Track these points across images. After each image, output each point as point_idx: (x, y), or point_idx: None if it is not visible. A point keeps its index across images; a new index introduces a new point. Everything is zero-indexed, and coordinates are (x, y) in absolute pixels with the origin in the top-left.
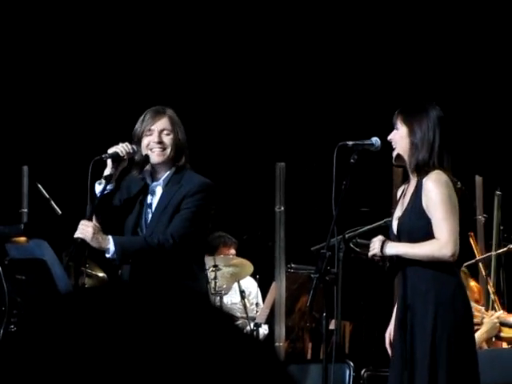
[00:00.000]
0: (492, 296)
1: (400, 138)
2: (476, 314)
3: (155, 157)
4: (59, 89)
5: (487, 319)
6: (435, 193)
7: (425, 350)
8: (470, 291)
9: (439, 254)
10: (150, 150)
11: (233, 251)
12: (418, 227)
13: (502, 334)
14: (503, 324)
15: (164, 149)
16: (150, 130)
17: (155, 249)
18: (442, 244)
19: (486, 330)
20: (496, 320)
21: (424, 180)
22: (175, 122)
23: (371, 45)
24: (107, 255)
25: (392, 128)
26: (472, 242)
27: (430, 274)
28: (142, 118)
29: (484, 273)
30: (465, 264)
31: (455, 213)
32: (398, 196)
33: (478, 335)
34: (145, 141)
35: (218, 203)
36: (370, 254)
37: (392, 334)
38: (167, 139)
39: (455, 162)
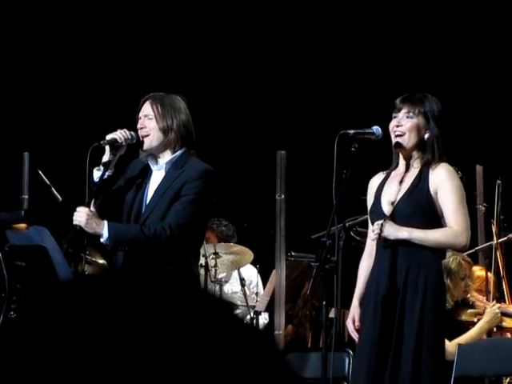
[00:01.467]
0: (504, 285)
1: (415, 128)
2: (478, 303)
3: (144, 142)
4: (59, 75)
5: (489, 309)
6: (448, 183)
7: (411, 334)
8: (474, 281)
9: (454, 241)
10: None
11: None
12: (425, 211)
13: (504, 324)
14: (504, 314)
15: (147, 134)
16: (139, 118)
17: (151, 239)
18: (457, 232)
19: (487, 319)
20: (497, 310)
21: (433, 169)
22: (159, 106)
23: (371, 34)
24: (101, 240)
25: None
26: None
27: (423, 259)
28: None
29: (484, 262)
30: (465, 253)
31: (466, 204)
32: (379, 181)
33: (479, 325)
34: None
35: (219, 191)
36: (373, 237)
37: (357, 317)
38: (149, 123)
39: (456, 151)
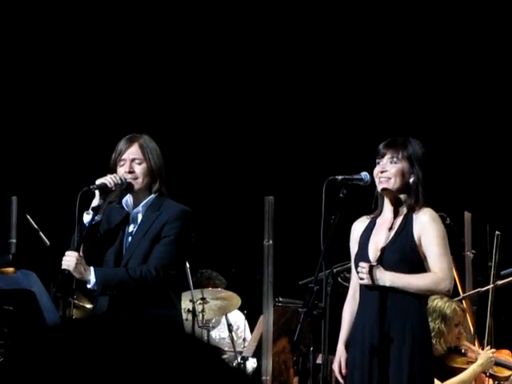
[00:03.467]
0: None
1: (400, 173)
2: (470, 354)
3: (132, 185)
4: (47, 119)
5: (483, 353)
6: (432, 228)
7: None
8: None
9: (437, 287)
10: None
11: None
12: (410, 257)
13: (497, 373)
14: (497, 363)
15: (136, 178)
16: (122, 159)
17: (137, 281)
18: (441, 278)
19: (480, 362)
20: (491, 354)
21: (416, 215)
22: (147, 150)
23: (359, 80)
24: (88, 286)
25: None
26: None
27: (410, 306)
28: (116, 147)
29: (470, 309)
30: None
31: (448, 248)
32: (363, 226)
33: (473, 367)
34: (119, 171)
35: (198, 231)
36: (365, 281)
37: (343, 361)
38: (138, 168)
39: (445, 198)
